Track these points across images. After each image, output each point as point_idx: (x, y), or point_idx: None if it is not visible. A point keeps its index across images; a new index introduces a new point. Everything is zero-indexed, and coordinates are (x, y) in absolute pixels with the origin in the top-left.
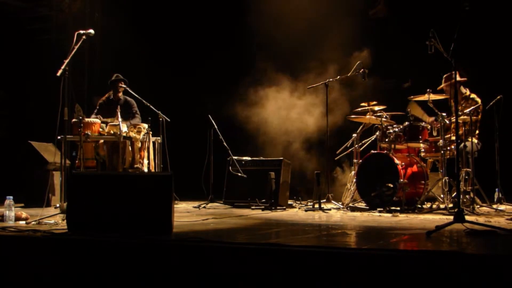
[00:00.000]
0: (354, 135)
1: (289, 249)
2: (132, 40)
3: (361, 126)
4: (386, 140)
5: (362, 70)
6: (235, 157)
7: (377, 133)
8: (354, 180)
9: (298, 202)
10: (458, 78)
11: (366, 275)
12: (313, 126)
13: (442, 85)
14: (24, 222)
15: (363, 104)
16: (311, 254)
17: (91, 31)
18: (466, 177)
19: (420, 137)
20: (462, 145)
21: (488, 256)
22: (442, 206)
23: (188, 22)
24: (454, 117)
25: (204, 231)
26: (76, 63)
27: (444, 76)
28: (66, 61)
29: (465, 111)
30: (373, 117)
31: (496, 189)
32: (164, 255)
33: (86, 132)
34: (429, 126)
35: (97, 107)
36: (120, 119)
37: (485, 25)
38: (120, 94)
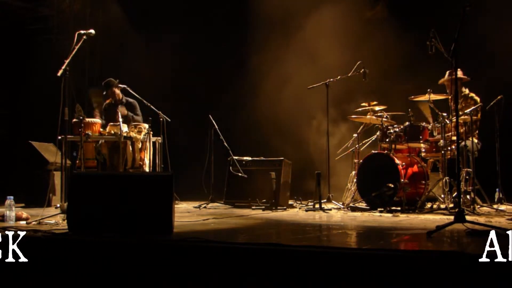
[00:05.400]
0: (355, 135)
1: (290, 249)
2: (133, 40)
3: (361, 126)
4: (387, 140)
5: (362, 70)
6: (236, 157)
7: (378, 133)
8: (355, 180)
9: (299, 202)
10: (461, 76)
11: (366, 275)
12: (313, 126)
13: (444, 78)
14: (24, 222)
15: (363, 104)
16: (311, 254)
17: (92, 31)
18: (467, 177)
19: (421, 137)
20: (462, 144)
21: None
22: (442, 206)
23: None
24: (455, 117)
25: (205, 231)
26: (76, 63)
27: (448, 71)
28: (67, 61)
29: (465, 111)
30: (374, 117)
31: (497, 189)
32: (164, 255)
33: (86, 132)
34: (430, 126)
35: (103, 109)
36: (120, 120)
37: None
38: (120, 96)
